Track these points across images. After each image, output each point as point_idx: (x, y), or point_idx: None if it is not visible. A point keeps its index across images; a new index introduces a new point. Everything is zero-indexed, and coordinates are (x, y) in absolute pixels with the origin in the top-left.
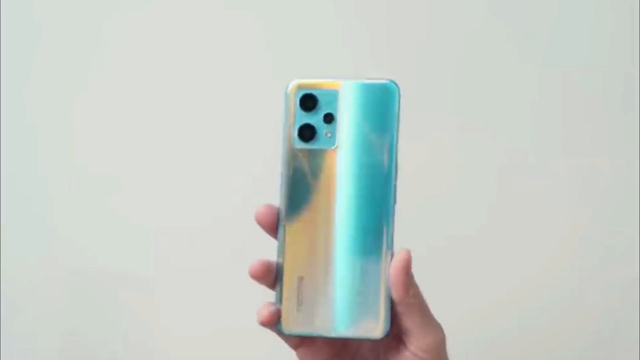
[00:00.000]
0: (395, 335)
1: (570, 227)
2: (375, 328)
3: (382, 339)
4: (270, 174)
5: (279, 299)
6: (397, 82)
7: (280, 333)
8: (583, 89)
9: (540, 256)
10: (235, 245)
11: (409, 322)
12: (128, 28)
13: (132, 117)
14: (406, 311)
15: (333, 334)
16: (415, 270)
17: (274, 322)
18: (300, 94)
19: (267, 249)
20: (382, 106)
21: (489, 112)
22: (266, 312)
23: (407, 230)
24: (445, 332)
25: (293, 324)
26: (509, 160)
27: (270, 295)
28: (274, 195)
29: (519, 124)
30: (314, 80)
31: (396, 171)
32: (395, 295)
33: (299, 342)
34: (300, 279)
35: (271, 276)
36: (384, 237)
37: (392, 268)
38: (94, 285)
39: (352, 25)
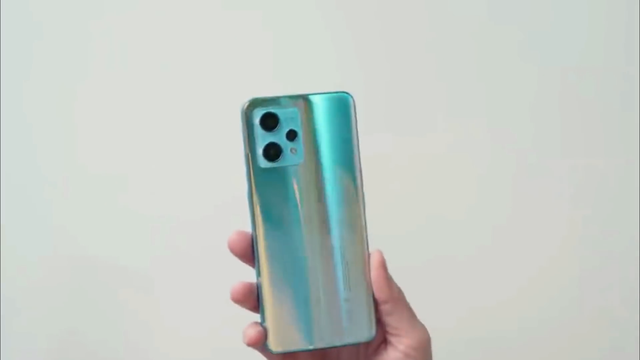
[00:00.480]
0: (378, 339)
1: (570, 227)
2: (365, 331)
3: (367, 343)
4: None
5: (264, 318)
6: (348, 92)
7: (267, 352)
8: (583, 89)
9: (540, 256)
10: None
11: (398, 319)
12: (129, 25)
13: (133, 114)
14: (394, 309)
15: (325, 345)
16: (414, 270)
17: (261, 343)
18: (259, 114)
19: None
20: (340, 117)
21: (489, 112)
22: (253, 332)
23: (406, 230)
24: (443, 333)
25: (282, 342)
26: (508, 160)
27: None
28: None
29: (518, 124)
30: (269, 98)
31: (361, 176)
32: (381, 294)
33: (281, 358)
34: (284, 295)
35: (253, 298)
36: (361, 242)
37: (372, 269)
38: (93, 284)
39: (352, 25)
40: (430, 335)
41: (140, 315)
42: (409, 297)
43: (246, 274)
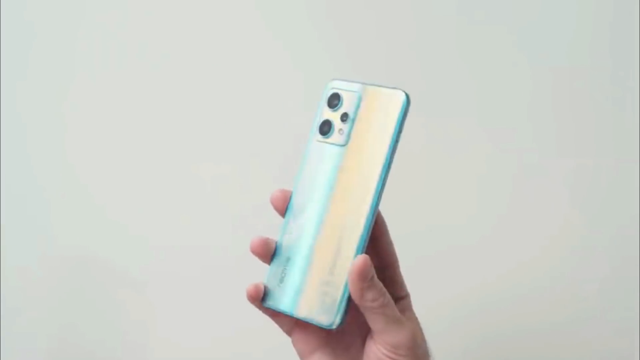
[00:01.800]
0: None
1: (570, 227)
2: (329, 318)
3: (335, 330)
4: (268, 177)
5: (267, 274)
6: (408, 91)
7: (261, 307)
8: (581, 88)
9: (540, 255)
10: (234, 246)
11: (371, 323)
12: (124, 27)
13: (130, 114)
14: (366, 313)
15: (293, 313)
16: (414, 269)
17: (258, 298)
18: (330, 92)
19: None
20: (388, 112)
21: (488, 112)
22: (252, 287)
23: (405, 229)
24: (440, 328)
25: (270, 299)
26: (506, 159)
27: None
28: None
29: (515, 124)
30: (347, 81)
31: (385, 179)
32: (353, 297)
33: (292, 327)
34: (287, 259)
35: (269, 253)
36: (358, 239)
37: (349, 271)
38: (92, 285)
39: (351, 24)
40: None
41: (138, 316)
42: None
43: (245, 275)
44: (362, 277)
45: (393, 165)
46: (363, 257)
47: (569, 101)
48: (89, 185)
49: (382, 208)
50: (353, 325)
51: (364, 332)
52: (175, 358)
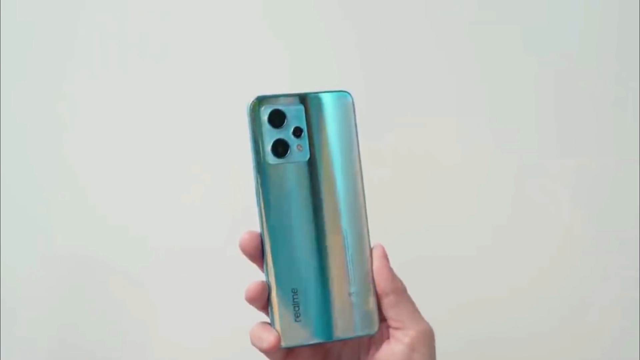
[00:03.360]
0: (380, 336)
1: (570, 227)
2: (370, 324)
3: (369, 338)
4: None
5: (274, 316)
6: (347, 91)
7: (279, 350)
8: (582, 89)
9: (539, 255)
10: (234, 246)
11: (401, 311)
12: (123, 27)
13: (128, 114)
14: (397, 301)
15: (334, 338)
16: (414, 269)
17: (279, 347)
18: (267, 111)
19: None
20: (341, 115)
21: (488, 112)
22: (272, 337)
23: (406, 229)
24: (443, 330)
25: (292, 337)
26: (508, 160)
27: None
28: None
29: (518, 125)
30: (275, 95)
31: (362, 171)
32: (384, 286)
33: (284, 356)
34: (294, 291)
35: (265, 297)
36: (365, 237)
37: (375, 261)
38: (92, 285)
39: (350, 23)
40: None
41: (138, 316)
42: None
43: (244, 275)
44: (387, 260)
45: (393, 166)
46: (380, 244)
47: (570, 102)
48: (88, 186)
49: (383, 209)
50: (349, 350)
51: (353, 348)
52: (175, 358)
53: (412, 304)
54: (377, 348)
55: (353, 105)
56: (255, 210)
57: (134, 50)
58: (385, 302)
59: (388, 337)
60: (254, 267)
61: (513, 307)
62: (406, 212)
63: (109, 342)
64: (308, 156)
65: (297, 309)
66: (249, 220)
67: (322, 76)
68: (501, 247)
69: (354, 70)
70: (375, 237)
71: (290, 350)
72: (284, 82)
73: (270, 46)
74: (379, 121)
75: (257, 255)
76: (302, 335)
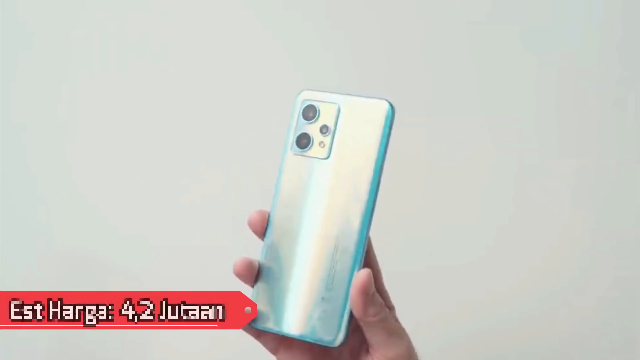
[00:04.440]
0: (365, 344)
1: (570, 227)
2: (331, 335)
3: (341, 347)
4: (267, 176)
5: (256, 293)
6: (393, 101)
7: (251, 328)
8: (582, 89)
9: (541, 255)
10: (234, 245)
11: (371, 337)
12: (122, 27)
13: (130, 116)
14: (367, 328)
15: (292, 333)
16: (415, 269)
17: (251, 274)
18: (305, 104)
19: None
20: (374, 123)
21: (490, 112)
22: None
23: (406, 231)
24: (440, 326)
25: (261, 321)
26: (509, 160)
27: None
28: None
29: (520, 124)
30: (320, 92)
31: (378, 188)
32: (355, 313)
33: (277, 345)
34: (276, 279)
35: (253, 274)
36: (357, 251)
37: (351, 287)
38: (91, 285)
39: (352, 25)
40: (413, 347)
41: None
42: (411, 296)
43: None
44: (365, 292)
45: (394, 168)
46: (366, 272)
47: (571, 102)
48: (88, 186)
49: (383, 209)
50: (348, 350)
51: (355, 348)
52: (175, 358)
53: (387, 327)
54: (364, 356)
55: (390, 115)
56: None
57: (133, 49)
58: (360, 324)
59: (367, 350)
60: None
61: (511, 306)
62: (406, 213)
63: (109, 342)
64: (327, 155)
65: (273, 294)
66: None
67: (321, 75)
68: (502, 247)
69: (353, 70)
70: (377, 236)
71: (284, 339)
72: (284, 81)
73: (271, 46)
74: None
75: (263, 232)
76: (271, 321)
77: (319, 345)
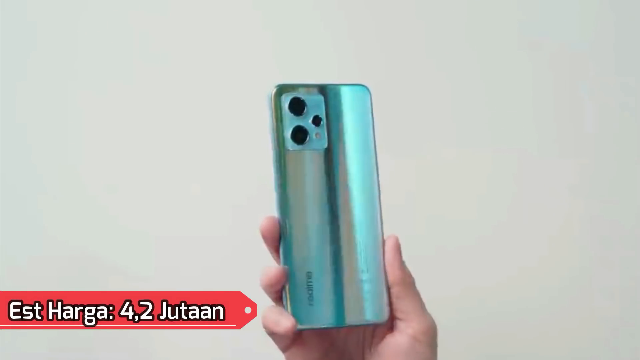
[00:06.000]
0: (385, 326)
1: (571, 227)
2: (380, 312)
3: (377, 326)
4: (267, 176)
5: (289, 299)
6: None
7: (294, 333)
8: (582, 88)
9: (540, 255)
10: (235, 245)
11: (408, 303)
12: (125, 27)
13: (130, 115)
14: (405, 292)
15: (345, 323)
16: (414, 269)
17: (295, 327)
18: (288, 98)
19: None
20: (359, 108)
21: (491, 112)
22: (289, 320)
23: (405, 230)
24: (440, 328)
25: (306, 320)
26: (508, 160)
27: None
28: (273, 197)
29: (519, 124)
30: (295, 84)
31: (377, 162)
32: (393, 277)
33: (290, 343)
34: (309, 275)
35: (283, 282)
36: (378, 226)
37: (386, 252)
38: (91, 284)
39: (352, 25)
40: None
41: None
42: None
43: (247, 275)
44: (400, 251)
45: (395, 166)
46: (394, 237)
47: (570, 102)
48: (88, 186)
49: (384, 209)
50: (354, 339)
51: (358, 341)
52: (175, 358)
53: (419, 298)
54: (382, 338)
55: (371, 99)
56: (274, 195)
57: (136, 48)
58: (393, 293)
59: (392, 329)
60: (253, 267)
61: (511, 306)
62: (405, 213)
63: (109, 342)
64: (326, 145)
65: (310, 292)
66: (250, 220)
67: (320, 75)
68: (501, 248)
69: (352, 70)
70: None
71: (298, 336)
72: (284, 80)
73: (271, 46)
74: (378, 120)
75: (276, 239)
76: (315, 318)
77: (327, 339)
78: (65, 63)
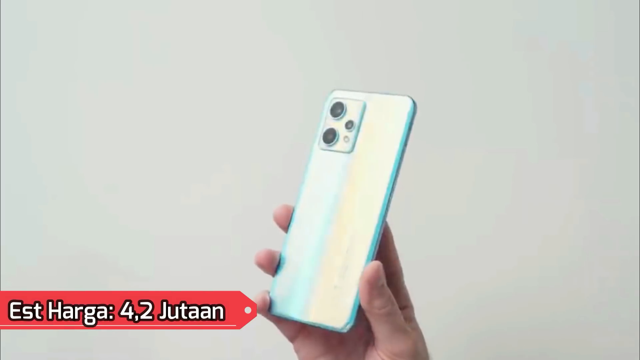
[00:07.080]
0: (353, 334)
1: (571, 228)
2: (340, 321)
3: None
4: (268, 176)
5: (275, 284)
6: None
7: (270, 314)
8: (582, 88)
9: (540, 256)
10: (236, 245)
11: (375, 330)
12: (127, 26)
13: (131, 114)
14: (372, 320)
15: (304, 319)
16: (414, 269)
17: (266, 308)
18: (333, 101)
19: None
20: (396, 119)
21: (490, 112)
22: (260, 299)
23: (404, 230)
24: (440, 328)
25: (278, 307)
26: (507, 160)
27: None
28: (273, 197)
29: (518, 124)
30: (349, 91)
31: (394, 185)
32: (362, 304)
33: (296, 333)
34: (294, 267)
35: (273, 265)
36: (370, 246)
37: (360, 279)
38: (91, 284)
39: (353, 26)
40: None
41: None
42: (413, 288)
43: (244, 274)
44: (372, 283)
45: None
46: (375, 264)
47: (570, 101)
48: (88, 186)
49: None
50: (356, 332)
51: (367, 340)
52: (175, 358)
53: (393, 322)
54: (371, 348)
55: (412, 111)
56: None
57: (137, 48)
58: (366, 316)
59: (374, 343)
60: (253, 267)
61: (511, 306)
62: (404, 213)
63: (109, 342)
64: (351, 149)
65: (290, 283)
66: (250, 220)
67: (323, 75)
68: (500, 248)
69: (351, 71)
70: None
71: (303, 327)
72: (284, 81)
73: (271, 46)
74: None
75: (286, 227)
76: (285, 308)
77: (335, 334)
78: (65, 63)
